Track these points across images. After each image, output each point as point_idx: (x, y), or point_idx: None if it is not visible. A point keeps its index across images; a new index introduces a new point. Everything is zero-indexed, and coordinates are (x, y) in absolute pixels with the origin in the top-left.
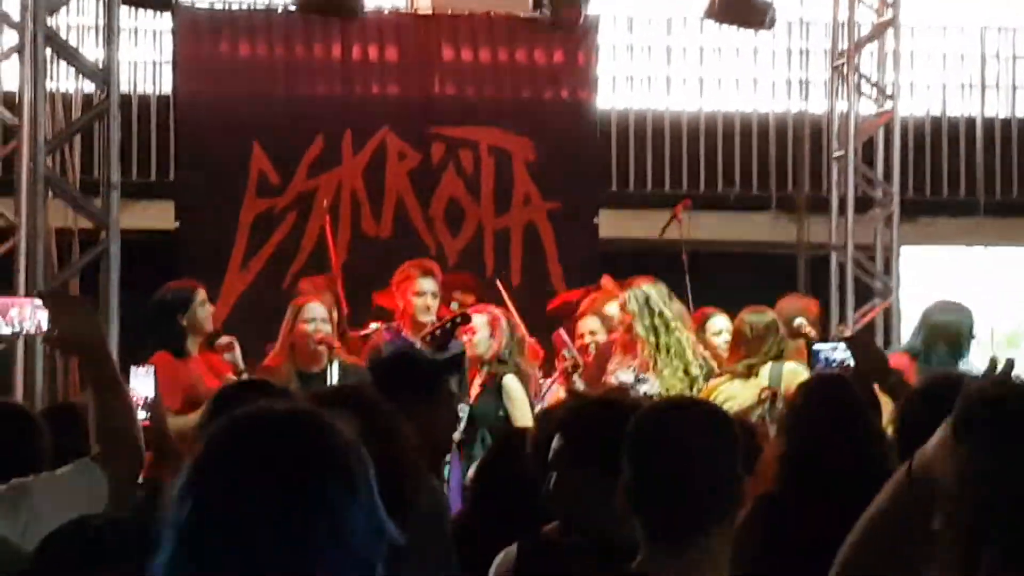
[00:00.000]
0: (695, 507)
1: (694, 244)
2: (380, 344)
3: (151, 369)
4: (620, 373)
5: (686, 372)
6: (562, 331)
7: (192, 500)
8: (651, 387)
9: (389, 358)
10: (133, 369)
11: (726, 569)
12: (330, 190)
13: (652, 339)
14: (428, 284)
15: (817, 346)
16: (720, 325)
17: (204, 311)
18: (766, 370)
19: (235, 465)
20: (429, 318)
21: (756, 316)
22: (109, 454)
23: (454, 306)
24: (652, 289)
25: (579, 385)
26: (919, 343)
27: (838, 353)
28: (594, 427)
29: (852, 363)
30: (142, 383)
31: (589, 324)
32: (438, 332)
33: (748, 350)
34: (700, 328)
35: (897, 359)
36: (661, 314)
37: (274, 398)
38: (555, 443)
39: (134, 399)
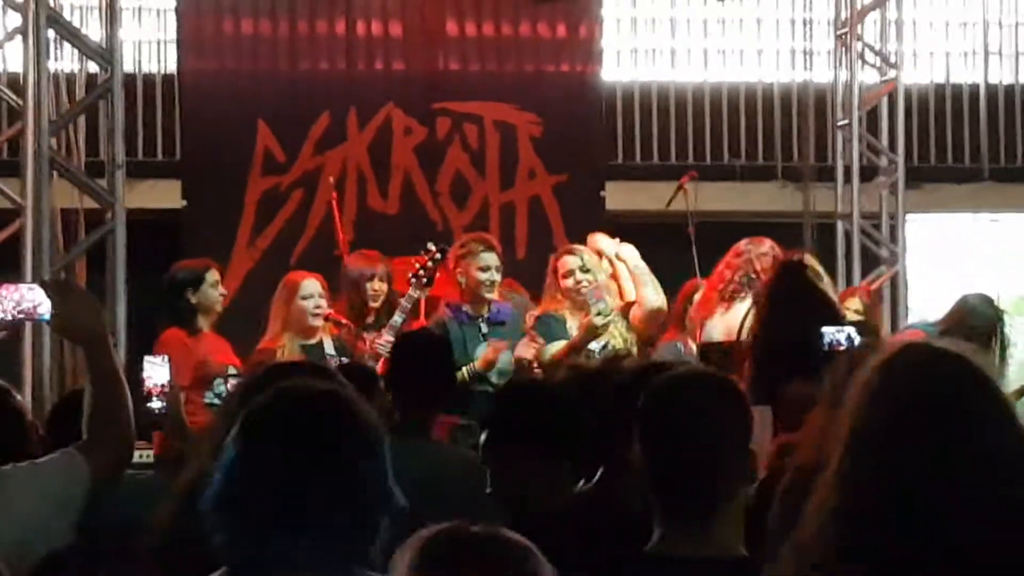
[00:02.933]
0: (713, 484)
1: (700, 215)
2: (444, 319)
3: (166, 358)
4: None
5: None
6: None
7: (242, 447)
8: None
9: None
10: (148, 358)
11: (740, 543)
12: (336, 167)
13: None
14: (492, 258)
15: (824, 328)
16: None
17: (215, 292)
18: None
19: (280, 429)
20: (492, 294)
21: None
22: (96, 443)
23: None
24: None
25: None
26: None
27: (842, 335)
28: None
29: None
30: (157, 371)
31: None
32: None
33: None
34: (687, 298)
35: (914, 336)
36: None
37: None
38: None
39: (150, 387)
